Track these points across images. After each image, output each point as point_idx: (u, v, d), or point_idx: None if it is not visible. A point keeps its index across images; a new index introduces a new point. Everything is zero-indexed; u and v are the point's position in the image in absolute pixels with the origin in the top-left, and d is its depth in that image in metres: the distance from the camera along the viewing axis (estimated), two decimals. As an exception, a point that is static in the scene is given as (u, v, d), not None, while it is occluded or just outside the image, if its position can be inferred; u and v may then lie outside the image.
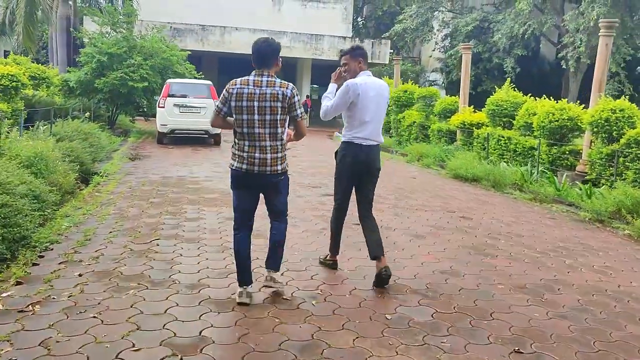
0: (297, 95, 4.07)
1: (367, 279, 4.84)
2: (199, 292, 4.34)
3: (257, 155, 4.01)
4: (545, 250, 6.22)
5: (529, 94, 13.85)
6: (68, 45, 19.24)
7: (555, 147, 11.30)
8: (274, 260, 4.29)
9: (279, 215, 4.30)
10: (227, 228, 6.36)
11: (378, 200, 8.67)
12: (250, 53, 4.09)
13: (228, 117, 4.10)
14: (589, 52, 24.51)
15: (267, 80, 4.00)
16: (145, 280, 4.53)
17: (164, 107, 15.16)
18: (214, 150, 14.75)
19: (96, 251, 5.26)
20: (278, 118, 4.00)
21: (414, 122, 17.53)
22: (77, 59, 18.18)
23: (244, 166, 4.03)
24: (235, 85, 4.02)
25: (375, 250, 4.59)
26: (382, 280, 4.55)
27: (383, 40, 27.58)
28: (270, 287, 4.30)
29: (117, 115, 18.60)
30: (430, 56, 32.97)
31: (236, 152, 4.09)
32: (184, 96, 15.46)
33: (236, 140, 4.10)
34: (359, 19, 40.47)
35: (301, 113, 4.13)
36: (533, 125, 11.89)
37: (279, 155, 4.07)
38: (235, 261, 4.19)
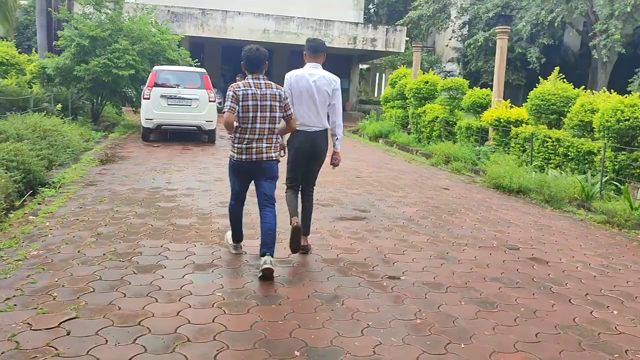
0: (287, 97, 4.71)
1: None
2: None
3: (254, 145, 4.51)
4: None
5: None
6: (49, 27, 16.94)
7: (622, 152, 8.91)
8: (269, 247, 4.50)
9: (268, 200, 4.67)
10: (192, 290, 4.07)
11: (411, 227, 6.37)
12: (244, 53, 4.58)
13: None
14: (624, 40, 21.97)
15: (265, 83, 4.56)
16: None
17: (149, 99, 12.84)
18: (206, 150, 12.43)
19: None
20: (277, 115, 4.58)
21: (437, 117, 15.13)
22: (54, 44, 15.89)
23: (244, 157, 4.54)
24: (240, 87, 4.49)
25: (304, 226, 5.10)
26: (303, 251, 5.10)
27: (399, 27, 25.12)
28: (270, 269, 4.41)
29: (102, 107, 16.30)
30: (447, 45, 30.43)
31: (236, 144, 4.56)
32: (173, 86, 13.13)
33: (238, 135, 4.54)
34: (371, 5, 37.88)
35: (292, 112, 4.73)
36: (593, 125, 9.50)
37: (274, 145, 4.61)
38: (231, 224, 4.92)
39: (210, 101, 13.12)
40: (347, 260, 5.01)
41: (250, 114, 4.44)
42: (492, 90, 13.75)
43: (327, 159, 5.27)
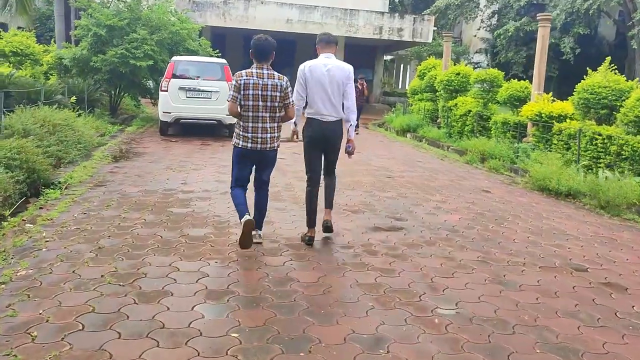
0: (290, 86, 4.80)
1: None
2: None
3: (259, 135, 4.71)
4: None
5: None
6: (66, 17, 16.33)
7: (687, 152, 7.90)
8: (259, 222, 4.99)
9: (264, 184, 5.02)
10: (201, 329, 3.28)
11: (456, 239, 5.51)
12: (254, 41, 4.76)
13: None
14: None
15: (268, 73, 4.71)
16: None
17: (167, 91, 12.11)
18: (226, 145, 11.66)
19: None
20: (277, 105, 4.73)
21: (469, 111, 14.14)
22: (70, 33, 15.26)
23: (249, 144, 4.72)
24: (242, 77, 4.67)
25: (326, 201, 5.21)
26: (326, 229, 5.21)
27: (426, 17, 24.02)
28: (259, 242, 4.90)
29: (120, 100, 15.65)
30: (475, 36, 29.22)
31: (241, 132, 4.75)
32: (192, 78, 12.38)
33: (241, 123, 4.73)
34: (397, -5, 36.70)
35: (291, 101, 4.84)
36: (652, 122, 8.48)
37: (275, 135, 4.80)
38: (235, 203, 4.88)
39: (231, 93, 12.32)
40: (388, 286, 4.19)
41: (251, 103, 4.62)
42: (530, 83, 12.74)
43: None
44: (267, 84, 4.64)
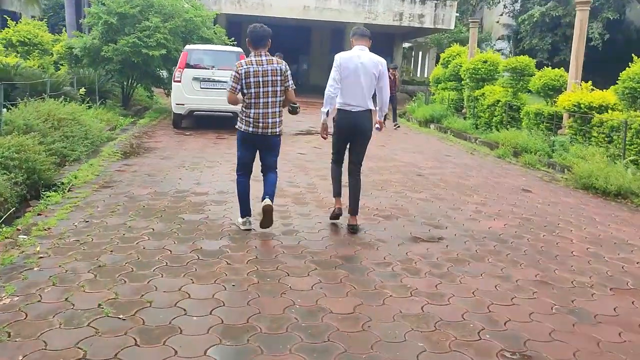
0: (289, 70, 4.90)
1: None
2: None
3: (261, 120, 4.81)
4: None
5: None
6: (77, 5, 15.69)
7: None
8: (270, 195, 4.96)
9: (270, 169, 5.08)
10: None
11: (506, 253, 4.74)
12: (249, 30, 4.87)
13: (238, 95, 4.85)
14: None
15: (266, 59, 4.80)
16: None
17: (180, 82, 11.44)
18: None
19: None
20: (278, 89, 4.82)
21: (498, 101, 13.28)
22: (80, 21, 14.64)
23: (250, 129, 4.85)
24: (242, 66, 4.78)
25: (352, 206, 5.19)
26: (352, 231, 5.10)
27: (448, 2, 22.98)
28: (270, 205, 4.87)
29: (132, 91, 15.02)
30: (497, 22, 28.13)
31: (244, 117, 4.87)
32: (207, 67, 11.68)
33: (244, 109, 4.86)
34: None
35: (292, 84, 4.91)
36: None
37: (278, 120, 4.89)
38: (238, 198, 5.07)
39: (247, 84, 11.64)
40: (438, 317, 3.47)
41: (253, 90, 4.72)
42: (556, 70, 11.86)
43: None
44: (267, 70, 4.76)
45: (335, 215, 5.34)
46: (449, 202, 6.61)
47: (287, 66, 4.93)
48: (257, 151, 5.05)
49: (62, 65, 14.69)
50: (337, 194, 5.37)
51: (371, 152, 10.01)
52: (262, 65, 4.76)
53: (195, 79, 11.41)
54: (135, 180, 6.85)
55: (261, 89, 4.75)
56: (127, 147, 9.18)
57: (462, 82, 15.46)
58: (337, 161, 5.39)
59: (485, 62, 14.41)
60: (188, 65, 11.51)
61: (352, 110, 5.07)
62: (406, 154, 10.19)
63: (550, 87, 11.77)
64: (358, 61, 5.04)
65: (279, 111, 4.89)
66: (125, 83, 14.58)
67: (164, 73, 14.41)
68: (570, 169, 8.79)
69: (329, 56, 31.70)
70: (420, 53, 36.72)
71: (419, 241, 5.05)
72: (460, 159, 10.12)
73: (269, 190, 4.97)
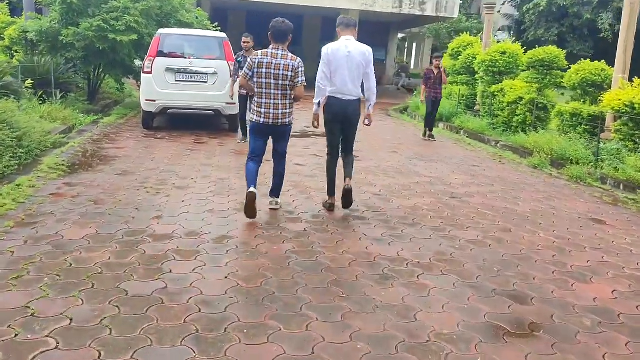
0: (302, 67, 4.92)
1: None
2: None
3: (271, 110, 4.89)
4: None
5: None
6: (37, -18, 13.39)
7: None
8: (276, 191, 5.25)
9: (282, 157, 5.19)
10: None
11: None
12: (273, 24, 4.86)
13: (249, 81, 4.94)
14: None
15: (282, 54, 4.87)
16: None
17: (150, 73, 9.32)
18: (225, 144, 8.90)
19: None
20: (288, 83, 4.87)
21: (521, 98, 11.34)
22: (34, 1, 12.42)
23: (262, 119, 4.92)
24: (258, 56, 4.87)
25: (346, 172, 5.35)
26: (346, 192, 5.24)
27: (452, -12, 20.95)
28: (274, 208, 5.17)
29: (100, 82, 12.83)
30: (499, 11, 26.13)
31: (255, 107, 4.96)
32: (184, 56, 9.58)
33: (256, 99, 4.95)
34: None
35: (302, 80, 4.91)
36: None
37: (287, 111, 4.96)
38: (246, 176, 5.02)
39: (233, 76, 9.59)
40: None
41: (264, 80, 4.85)
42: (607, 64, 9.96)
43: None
44: (280, 64, 4.83)
45: (329, 205, 5.34)
46: (512, 246, 4.65)
47: (301, 63, 4.95)
48: (269, 140, 5.15)
49: (17, 52, 12.45)
50: (331, 192, 5.39)
51: (385, 163, 8.09)
52: (276, 58, 4.85)
53: (169, 69, 9.30)
54: (73, 213, 4.79)
55: (272, 81, 4.85)
56: (78, 157, 7.09)
57: (476, 75, 13.50)
58: (332, 153, 5.42)
59: (503, 53, 12.46)
60: (161, 53, 9.39)
61: (343, 98, 5.17)
62: (427, 165, 8.22)
63: (590, 82, 9.87)
64: (345, 51, 5.12)
65: (289, 103, 4.96)
66: (90, 74, 12.39)
67: (137, 62, 12.24)
68: (632, 185, 6.90)
69: (320, 46, 29.71)
70: (415, 44, 34.76)
71: (507, 336, 3.08)
72: (492, 171, 8.17)
73: (277, 183, 5.23)
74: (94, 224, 4.54)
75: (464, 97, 14.25)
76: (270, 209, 5.12)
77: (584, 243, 4.90)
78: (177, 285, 3.48)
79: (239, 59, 8.76)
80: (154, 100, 9.32)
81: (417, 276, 3.87)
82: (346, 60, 5.08)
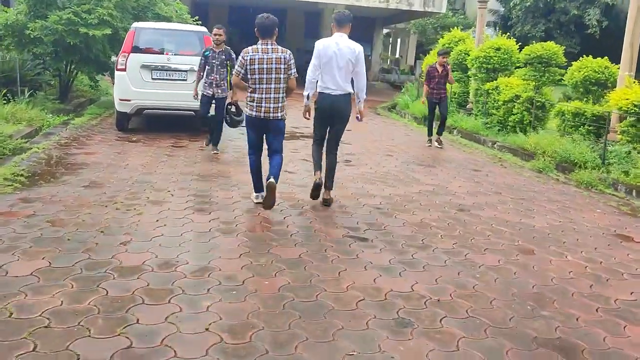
0: (292, 58, 5.02)
1: None
2: None
3: (264, 104, 4.93)
4: None
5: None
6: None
7: None
8: (275, 175, 4.98)
9: (277, 152, 5.14)
10: None
11: None
12: (257, 20, 4.90)
13: (242, 79, 4.99)
14: None
15: (272, 48, 4.92)
16: None
17: (125, 70, 8.47)
18: (209, 147, 8.09)
19: None
20: (281, 76, 4.94)
21: (517, 96, 10.72)
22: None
23: (254, 113, 4.97)
24: (249, 52, 4.92)
25: (327, 182, 5.37)
26: (325, 204, 5.30)
27: (439, -17, 20.29)
28: (273, 183, 4.87)
29: (72, 80, 11.89)
30: (485, 7, 25.55)
31: (249, 102, 5.00)
32: (161, 52, 8.74)
33: (249, 93, 5.00)
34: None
35: (294, 72, 5.02)
36: None
37: (280, 105, 4.99)
38: (252, 175, 5.25)
39: (213, 74, 8.77)
40: None
41: (257, 76, 4.88)
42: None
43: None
44: (272, 58, 4.88)
45: (317, 186, 5.33)
46: (540, 274, 3.97)
47: (291, 55, 5.03)
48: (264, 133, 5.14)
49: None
50: (317, 169, 5.45)
51: (381, 168, 7.36)
52: (267, 53, 4.88)
53: (145, 66, 8.45)
54: (24, 239, 3.99)
55: (265, 76, 4.88)
56: (41, 165, 6.25)
57: (469, 72, 12.86)
58: (317, 142, 5.52)
59: (498, 49, 11.84)
60: (136, 49, 8.54)
61: (332, 93, 5.22)
62: (425, 170, 7.53)
63: (593, 80, 9.27)
64: (336, 47, 5.17)
65: (282, 97, 5.00)
66: (62, 70, 11.45)
67: (113, 58, 11.32)
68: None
69: (304, 42, 28.81)
70: (399, 40, 34.12)
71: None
72: (495, 176, 7.52)
73: (274, 172, 5.02)
74: (47, 253, 3.75)
75: (456, 95, 13.59)
76: (268, 184, 4.93)
77: (620, 268, 4.24)
78: (144, 343, 2.72)
79: (206, 53, 7.58)
80: (129, 100, 8.46)
81: (440, 320, 3.16)
82: (335, 56, 5.15)
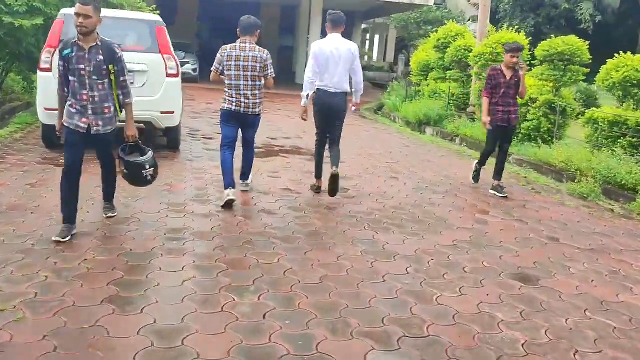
0: (270, 58, 5.08)
1: None
2: None
3: (242, 100, 5.00)
4: None
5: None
6: None
7: None
8: (246, 175, 5.45)
9: (250, 144, 5.33)
10: None
11: None
12: (241, 20, 5.04)
13: (221, 75, 5.03)
14: None
15: (250, 46, 5.00)
16: None
17: (50, 70, 6.37)
18: (166, 172, 5.98)
19: None
20: (257, 74, 5.01)
21: (533, 99, 8.97)
22: None
23: (233, 107, 5.02)
24: (226, 50, 4.99)
25: (332, 161, 5.30)
26: (333, 177, 5.16)
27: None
28: (245, 190, 5.36)
29: (1, 80, 9.69)
30: (469, 1, 23.95)
31: (226, 97, 5.06)
32: (99, 46, 6.64)
33: (226, 90, 5.05)
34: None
35: (271, 72, 5.11)
36: None
37: (257, 101, 5.08)
38: (222, 170, 5.06)
39: (169, 75, 6.75)
40: None
41: (233, 72, 4.95)
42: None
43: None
44: (248, 56, 4.96)
45: (317, 188, 5.58)
46: None
47: (269, 55, 5.08)
48: (239, 129, 5.19)
49: None
50: (318, 175, 5.61)
51: (390, 200, 5.03)
52: (245, 51, 4.96)
53: (78, 66, 6.36)
54: None
55: (241, 72, 4.94)
56: None
57: (470, 71, 11.09)
58: (320, 141, 5.58)
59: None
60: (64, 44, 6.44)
61: (329, 91, 5.30)
62: (447, 201, 5.68)
63: (635, 82, 7.54)
64: (333, 47, 5.26)
65: (258, 94, 5.06)
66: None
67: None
68: None
69: (280, 39, 26.65)
70: (378, 36, 32.33)
71: None
72: (536, 209, 5.70)
73: (247, 169, 5.40)
74: None
75: (454, 97, 11.79)
76: (242, 190, 5.18)
77: None
78: None
79: (66, 52, 4.25)
80: (57, 110, 6.36)
81: None
82: (333, 56, 5.24)
